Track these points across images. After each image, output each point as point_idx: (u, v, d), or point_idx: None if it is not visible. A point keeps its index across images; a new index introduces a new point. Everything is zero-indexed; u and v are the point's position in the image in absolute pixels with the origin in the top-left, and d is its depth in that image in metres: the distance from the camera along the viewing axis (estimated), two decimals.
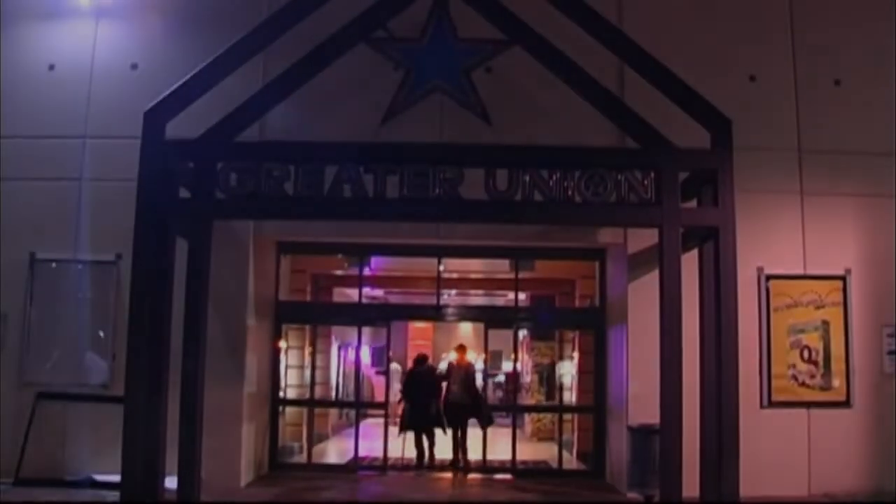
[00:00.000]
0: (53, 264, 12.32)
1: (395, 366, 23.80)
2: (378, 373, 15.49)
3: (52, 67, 12.81)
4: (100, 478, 11.38)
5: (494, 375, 15.99)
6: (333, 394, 20.01)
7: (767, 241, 12.18)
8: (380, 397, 18.14)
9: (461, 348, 15.71)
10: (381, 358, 23.87)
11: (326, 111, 12.18)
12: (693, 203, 11.05)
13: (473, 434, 14.22)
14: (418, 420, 14.89)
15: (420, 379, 15.35)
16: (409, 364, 16.54)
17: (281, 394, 14.01)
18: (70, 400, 12.01)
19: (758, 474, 10.90)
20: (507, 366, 19.33)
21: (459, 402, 14.75)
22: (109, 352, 12.10)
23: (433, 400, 14.98)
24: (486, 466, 14.20)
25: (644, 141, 10.77)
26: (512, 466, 13.58)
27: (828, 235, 12.35)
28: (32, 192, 12.32)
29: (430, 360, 17.10)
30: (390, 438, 13.72)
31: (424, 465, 14.50)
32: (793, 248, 12.32)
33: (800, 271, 12.28)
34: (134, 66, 12.73)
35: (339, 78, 11.68)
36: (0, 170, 12.31)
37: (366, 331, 15.08)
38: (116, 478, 10.42)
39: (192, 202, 10.80)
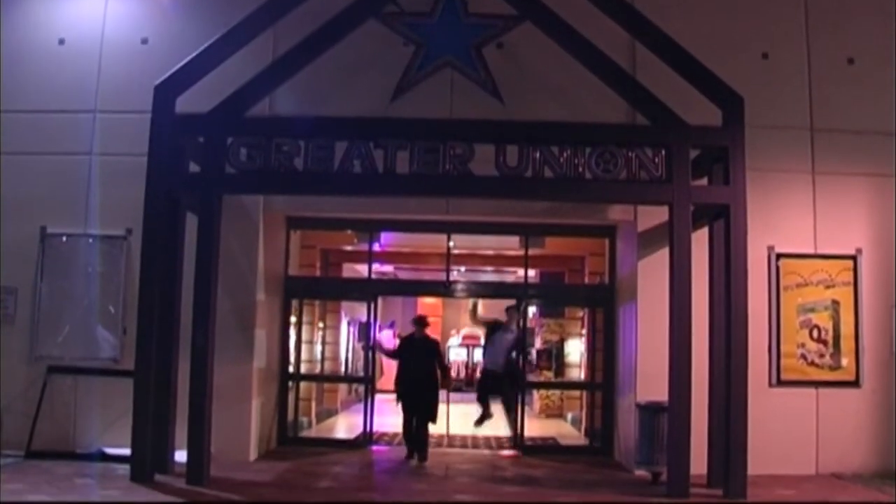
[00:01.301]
0: (64, 238, 12.34)
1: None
2: (363, 348, 14.75)
3: (62, 42, 12.77)
4: (110, 451, 11.44)
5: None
6: (342, 369, 20.07)
7: (778, 220, 12.12)
8: (388, 372, 18.13)
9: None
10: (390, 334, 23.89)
11: (336, 87, 12.15)
12: (704, 181, 11.05)
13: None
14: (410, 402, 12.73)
15: (412, 355, 12.97)
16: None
17: (290, 369, 14.03)
18: (81, 374, 12.07)
19: (766, 453, 10.94)
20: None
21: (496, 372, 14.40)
22: (119, 326, 12.14)
23: (429, 392, 12.70)
24: (493, 443, 14.30)
25: (655, 118, 10.75)
26: (520, 442, 13.58)
27: (839, 215, 12.29)
28: (43, 167, 12.32)
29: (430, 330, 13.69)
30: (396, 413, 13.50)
31: (413, 459, 12.46)
32: (804, 228, 12.26)
33: (810, 250, 12.23)
34: (144, 41, 12.67)
35: (349, 53, 11.66)
36: (10, 144, 12.31)
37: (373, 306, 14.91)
38: (126, 451, 10.52)
39: (201, 177, 10.85)
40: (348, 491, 10.36)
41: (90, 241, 12.33)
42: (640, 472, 11.38)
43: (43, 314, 12.24)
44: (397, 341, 23.00)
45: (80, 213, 12.34)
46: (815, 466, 11.88)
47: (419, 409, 12.54)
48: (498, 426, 13.60)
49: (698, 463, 10.42)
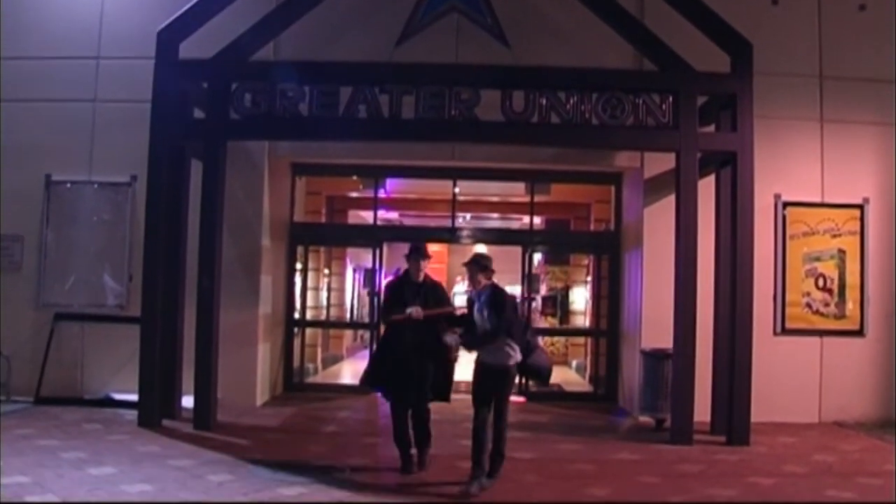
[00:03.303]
0: (68, 186, 12.32)
1: None
2: (368, 294, 14.52)
3: None
4: (118, 396, 11.57)
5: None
6: (348, 315, 20.13)
7: (785, 168, 12.06)
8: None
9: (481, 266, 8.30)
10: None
11: (341, 31, 12.03)
12: (711, 128, 10.97)
13: None
14: (395, 381, 8.42)
15: (400, 301, 8.42)
16: None
17: (296, 315, 14.07)
18: (88, 321, 12.14)
19: (769, 401, 11.01)
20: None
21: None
22: (125, 273, 12.16)
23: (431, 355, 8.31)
24: None
25: (663, 64, 10.65)
26: (526, 389, 13.62)
27: (847, 163, 12.21)
28: (46, 114, 12.26)
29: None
30: None
31: (412, 470, 8.37)
32: (811, 176, 12.19)
33: (817, 199, 12.18)
34: None
35: None
36: (14, 91, 12.23)
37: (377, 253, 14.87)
38: (134, 397, 10.62)
39: (206, 123, 10.79)
40: (354, 436, 10.44)
41: (95, 187, 12.32)
42: (644, 419, 11.46)
43: (49, 261, 12.28)
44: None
45: (85, 161, 12.31)
46: (818, 415, 11.95)
47: (417, 384, 8.30)
48: None
49: (702, 410, 10.48)
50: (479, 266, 8.23)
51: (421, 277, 8.56)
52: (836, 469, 9.13)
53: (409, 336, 8.26)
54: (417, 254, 8.62)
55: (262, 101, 10.40)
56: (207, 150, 10.60)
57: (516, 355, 8.04)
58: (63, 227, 12.32)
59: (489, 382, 8.02)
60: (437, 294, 8.57)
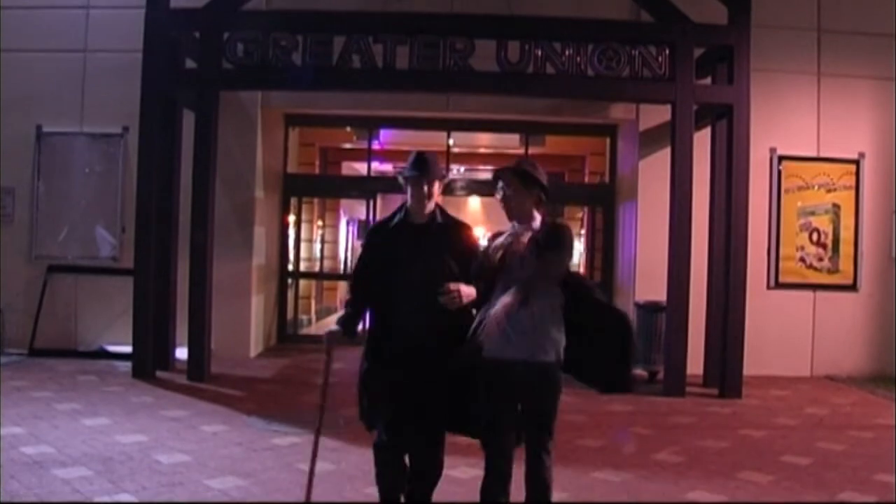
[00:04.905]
0: (60, 137, 12.20)
1: None
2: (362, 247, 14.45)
3: None
4: (111, 348, 11.56)
5: None
6: (341, 267, 20.13)
7: (781, 122, 11.99)
8: None
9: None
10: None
11: None
12: (708, 80, 10.89)
13: None
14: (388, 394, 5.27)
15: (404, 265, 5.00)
16: None
17: (290, 267, 14.06)
18: (81, 273, 12.10)
19: (761, 354, 11.08)
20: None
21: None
22: (118, 225, 12.10)
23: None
24: None
25: (660, 15, 10.55)
26: None
27: (843, 118, 12.14)
28: (36, 64, 12.08)
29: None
30: None
31: None
32: (807, 130, 12.13)
33: (813, 153, 12.13)
34: None
35: None
36: (3, 41, 12.04)
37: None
38: (128, 348, 10.62)
39: (198, 72, 10.70)
40: (347, 387, 10.42)
41: (87, 139, 12.21)
42: (637, 371, 11.49)
43: (42, 214, 12.20)
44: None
45: (76, 112, 12.18)
46: (810, 368, 12.01)
47: (424, 396, 5.06)
48: None
49: (694, 362, 10.54)
50: (525, 182, 4.92)
51: (426, 213, 4.93)
52: (828, 422, 9.18)
53: (418, 319, 4.96)
54: (419, 168, 4.85)
55: (255, 50, 10.28)
56: (200, 100, 10.50)
57: (563, 339, 4.72)
58: (55, 178, 12.22)
59: (519, 393, 4.66)
60: (458, 246, 4.94)
